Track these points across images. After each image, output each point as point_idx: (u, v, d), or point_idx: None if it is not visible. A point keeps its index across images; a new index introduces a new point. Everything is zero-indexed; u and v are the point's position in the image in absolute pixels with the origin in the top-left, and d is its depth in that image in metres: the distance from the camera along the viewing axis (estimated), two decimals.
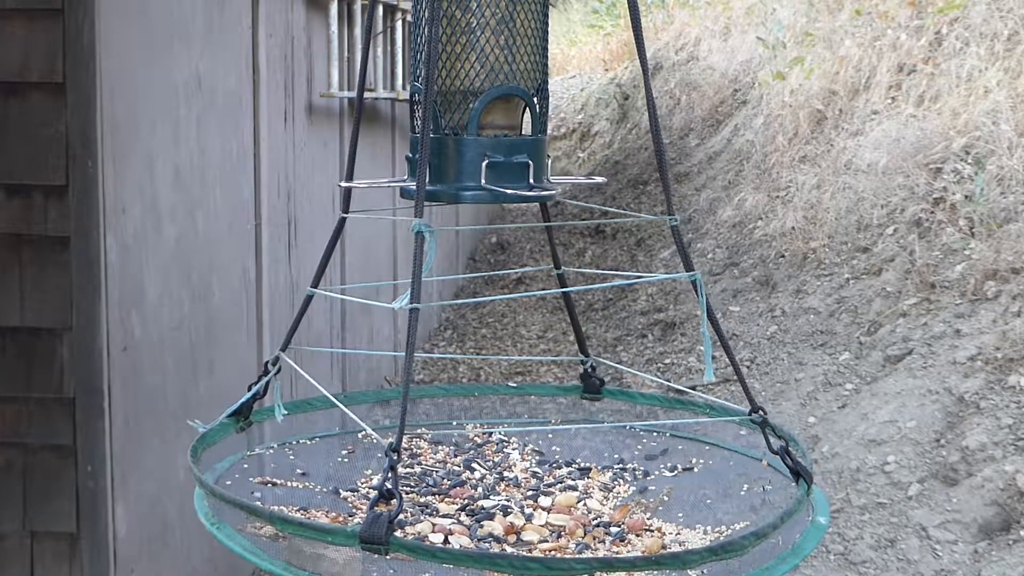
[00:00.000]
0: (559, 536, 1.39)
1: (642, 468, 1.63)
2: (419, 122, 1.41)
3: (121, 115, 2.76)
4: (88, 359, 2.66)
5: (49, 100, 2.62)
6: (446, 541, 1.35)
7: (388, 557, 1.09)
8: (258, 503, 1.46)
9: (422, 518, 1.43)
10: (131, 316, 2.82)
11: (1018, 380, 4.14)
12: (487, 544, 1.36)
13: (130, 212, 2.81)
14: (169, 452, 3.05)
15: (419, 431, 1.75)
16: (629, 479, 1.59)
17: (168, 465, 3.04)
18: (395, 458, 1.15)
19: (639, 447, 1.70)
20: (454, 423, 1.77)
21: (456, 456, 1.68)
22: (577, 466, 1.64)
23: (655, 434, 1.72)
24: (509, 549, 1.35)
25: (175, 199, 3.09)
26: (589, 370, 1.74)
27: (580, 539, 1.38)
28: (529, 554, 1.34)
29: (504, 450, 1.71)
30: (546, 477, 1.60)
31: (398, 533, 1.35)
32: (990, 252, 4.78)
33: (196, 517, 1.31)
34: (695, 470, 1.61)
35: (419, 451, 1.70)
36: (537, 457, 1.68)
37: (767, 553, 1.24)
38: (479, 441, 1.74)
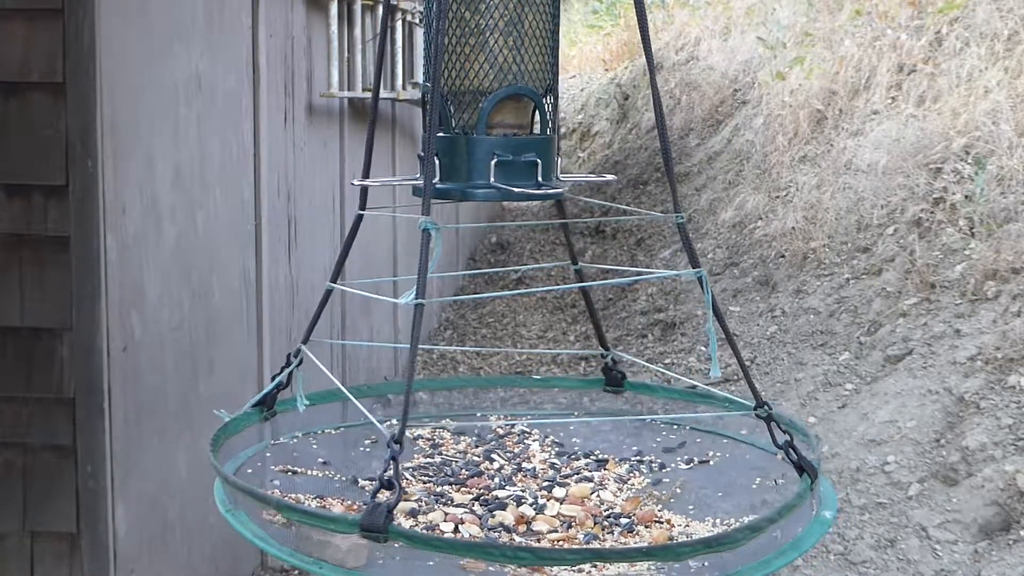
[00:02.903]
0: (569, 527, 1.41)
1: (659, 461, 1.64)
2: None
3: (121, 115, 2.76)
4: (88, 359, 2.66)
5: (49, 100, 2.62)
6: (456, 530, 1.37)
7: (385, 544, 1.14)
8: (275, 491, 1.49)
9: (436, 507, 1.45)
10: (131, 316, 2.82)
11: (1018, 380, 4.14)
12: (497, 533, 1.37)
13: (130, 212, 2.82)
14: (169, 452, 3.04)
15: (443, 422, 1.77)
16: (645, 471, 1.61)
17: (168, 465, 3.04)
18: (396, 449, 1.18)
19: (657, 440, 1.72)
20: (478, 414, 1.80)
21: (477, 447, 1.70)
22: (595, 458, 1.66)
23: (675, 427, 1.73)
24: (518, 539, 1.36)
25: (175, 199, 3.09)
26: (610, 363, 1.76)
27: (589, 530, 1.39)
28: (529, 543, 1.34)
29: (525, 441, 1.73)
30: (563, 468, 1.62)
31: (409, 521, 1.41)
32: (990, 252, 4.78)
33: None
34: (711, 463, 1.62)
35: (441, 441, 1.72)
36: (556, 448, 1.70)
37: (766, 547, 1.24)
38: (501, 432, 1.76)
